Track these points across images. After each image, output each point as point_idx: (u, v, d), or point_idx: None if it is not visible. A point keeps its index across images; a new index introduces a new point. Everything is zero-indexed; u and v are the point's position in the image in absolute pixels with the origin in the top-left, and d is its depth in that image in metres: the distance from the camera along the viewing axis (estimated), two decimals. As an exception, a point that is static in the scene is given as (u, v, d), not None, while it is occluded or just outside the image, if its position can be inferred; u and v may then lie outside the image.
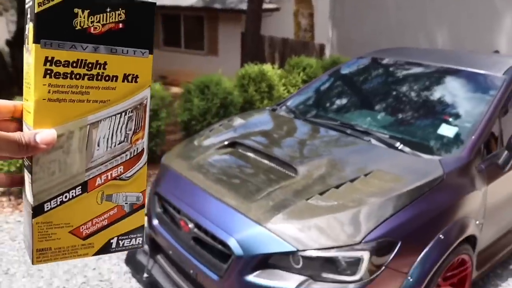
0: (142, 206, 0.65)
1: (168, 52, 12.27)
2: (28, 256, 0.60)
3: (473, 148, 2.51)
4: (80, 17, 0.54)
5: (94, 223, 0.61)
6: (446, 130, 2.73)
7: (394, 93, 3.37)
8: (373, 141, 2.67)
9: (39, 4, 0.51)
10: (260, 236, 2.02)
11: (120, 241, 0.64)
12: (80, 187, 0.59)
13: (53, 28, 0.53)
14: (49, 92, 0.54)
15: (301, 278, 1.94)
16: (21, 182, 0.60)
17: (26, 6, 0.55)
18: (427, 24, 8.58)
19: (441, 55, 3.75)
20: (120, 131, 0.60)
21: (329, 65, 7.10)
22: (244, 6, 10.58)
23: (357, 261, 1.93)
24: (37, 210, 0.57)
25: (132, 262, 2.80)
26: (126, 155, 0.62)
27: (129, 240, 0.65)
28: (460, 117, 2.88)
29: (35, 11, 0.51)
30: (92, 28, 0.55)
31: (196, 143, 2.96)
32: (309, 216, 2.03)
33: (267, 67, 6.26)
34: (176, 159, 2.80)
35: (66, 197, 0.58)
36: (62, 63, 0.54)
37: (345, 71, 3.87)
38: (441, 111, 3.00)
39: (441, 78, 3.19)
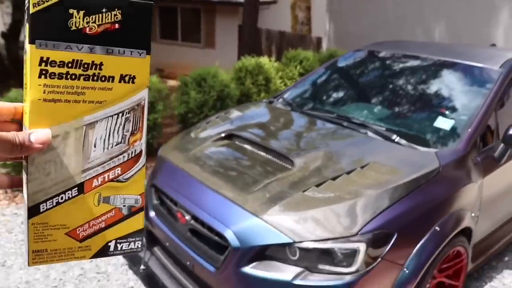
0: (141, 209, 0.64)
1: (165, 45, 12.20)
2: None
3: (469, 141, 2.52)
4: (76, 17, 0.53)
5: (91, 225, 0.60)
6: (443, 123, 2.73)
7: (391, 86, 3.37)
8: (370, 134, 2.67)
9: (34, 5, 0.51)
10: (257, 227, 2.03)
11: (118, 245, 0.63)
12: (76, 188, 0.58)
13: (48, 28, 0.52)
14: (44, 92, 0.54)
15: (298, 269, 1.95)
16: (21, 184, 0.60)
17: (25, 8, 0.55)
18: (425, 17, 8.57)
19: (438, 48, 3.74)
20: (117, 132, 0.59)
21: (326, 58, 7.07)
22: (241, -2, 10.53)
23: (354, 253, 1.94)
24: (33, 211, 0.56)
25: (129, 254, 2.80)
26: (124, 156, 0.61)
27: (128, 243, 0.64)
28: (456, 110, 2.88)
29: (30, 12, 0.51)
30: (87, 28, 0.54)
31: (193, 135, 2.95)
32: (306, 208, 2.04)
33: (264, 60, 6.24)
34: (173, 151, 2.79)
35: (62, 198, 0.58)
36: (58, 63, 0.54)
37: (341, 64, 3.86)
38: (438, 104, 3.01)
39: (437, 71, 3.19)
